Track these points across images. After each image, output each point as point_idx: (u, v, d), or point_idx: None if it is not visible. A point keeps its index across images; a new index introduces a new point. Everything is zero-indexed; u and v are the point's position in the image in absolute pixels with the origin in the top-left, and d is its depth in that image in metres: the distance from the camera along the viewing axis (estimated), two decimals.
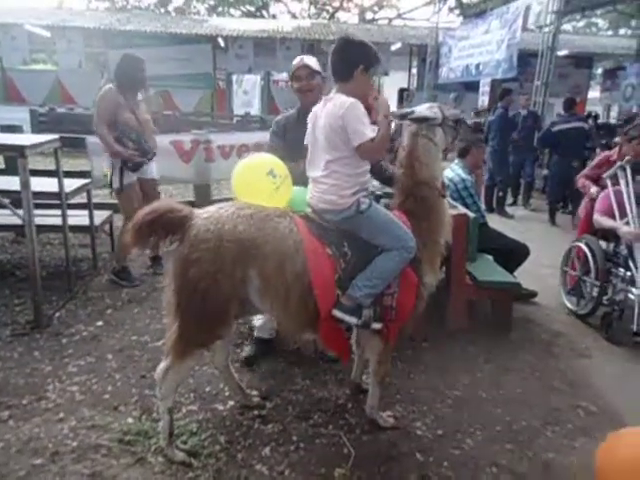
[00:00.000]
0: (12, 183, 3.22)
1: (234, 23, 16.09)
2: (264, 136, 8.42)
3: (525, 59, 10.65)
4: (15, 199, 3.11)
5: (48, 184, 3.43)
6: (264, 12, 23.10)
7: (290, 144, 2.70)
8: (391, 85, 19.43)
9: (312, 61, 2.83)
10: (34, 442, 2.14)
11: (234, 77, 15.44)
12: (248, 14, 22.47)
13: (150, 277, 4.09)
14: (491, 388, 2.78)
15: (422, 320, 3.25)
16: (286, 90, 16.77)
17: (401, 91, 18.12)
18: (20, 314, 3.29)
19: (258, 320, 2.94)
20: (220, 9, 22.00)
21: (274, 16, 23.41)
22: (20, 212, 2.96)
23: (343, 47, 2.14)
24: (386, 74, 16.24)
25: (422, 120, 2.25)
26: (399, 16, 25.06)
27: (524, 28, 8.80)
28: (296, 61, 2.85)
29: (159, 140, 4.25)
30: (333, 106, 2.11)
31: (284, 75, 17.77)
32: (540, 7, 8.34)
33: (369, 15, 25.17)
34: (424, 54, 14.47)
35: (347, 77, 2.13)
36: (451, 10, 22.93)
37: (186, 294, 1.96)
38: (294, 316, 2.08)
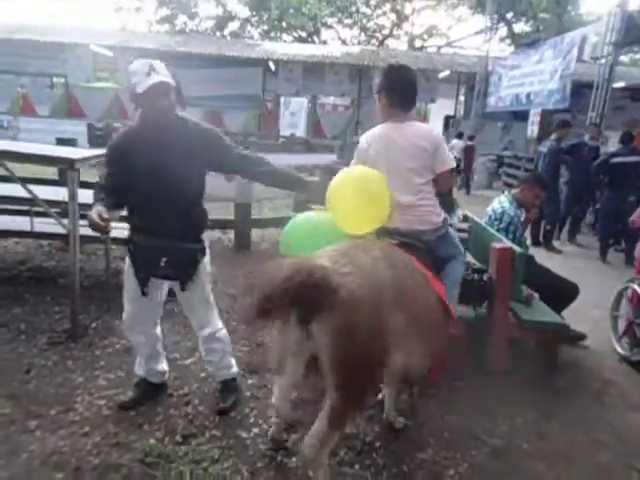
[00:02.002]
0: (62, 194, 3.34)
1: (285, 48, 16.53)
2: (308, 158, 8.52)
3: (578, 90, 10.33)
4: (64, 209, 3.21)
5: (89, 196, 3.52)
6: (315, 38, 23.66)
7: None
8: (438, 112, 19.39)
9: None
10: (57, 456, 2.14)
11: (282, 99, 15.78)
12: (300, 39, 23.08)
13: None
14: (533, 438, 2.58)
15: (460, 357, 3.12)
16: (332, 113, 17.01)
17: (447, 118, 18.09)
18: (58, 322, 3.36)
19: (139, 364, 2.62)
20: (273, 34, 22.71)
21: (325, 42, 23.92)
22: (65, 221, 3.04)
23: (413, 77, 2.34)
24: (433, 101, 16.19)
25: None
26: (448, 44, 25.07)
27: (579, 59, 8.56)
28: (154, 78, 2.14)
29: None
30: (417, 131, 2.27)
31: (331, 99, 18.05)
32: (597, 38, 8.09)
33: (418, 43, 25.32)
34: (472, 82, 14.34)
35: (413, 106, 2.34)
36: (502, 40, 22.78)
37: (353, 362, 1.69)
38: (424, 347, 1.99)
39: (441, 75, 15.49)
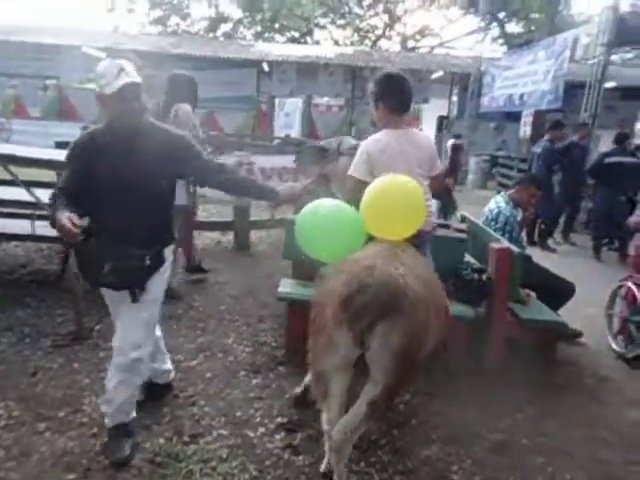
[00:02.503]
0: None
1: (279, 48, 16.55)
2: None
3: (570, 90, 10.44)
4: None
5: None
6: (308, 38, 23.69)
7: None
8: (431, 113, 19.48)
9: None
10: (68, 456, 2.17)
11: (276, 100, 15.80)
12: (292, 40, 23.11)
13: (187, 295, 4.13)
14: (533, 434, 2.64)
15: (460, 356, 3.17)
16: (326, 114, 17.05)
17: (440, 119, 18.17)
18: (61, 325, 3.38)
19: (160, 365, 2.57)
20: (265, 35, 22.72)
21: (318, 42, 23.97)
22: None
23: (408, 83, 2.44)
24: (426, 102, 16.27)
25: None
26: (441, 45, 25.20)
27: (571, 59, 8.66)
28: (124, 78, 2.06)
29: None
30: (419, 138, 2.43)
31: (325, 100, 18.09)
32: (589, 39, 8.20)
33: (411, 43, 25.42)
34: (465, 82, 14.45)
35: (409, 110, 2.46)
36: (494, 40, 22.94)
37: (412, 357, 1.84)
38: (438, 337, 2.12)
39: (434, 76, 15.58)
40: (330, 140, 2.77)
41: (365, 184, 2.27)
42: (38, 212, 3.57)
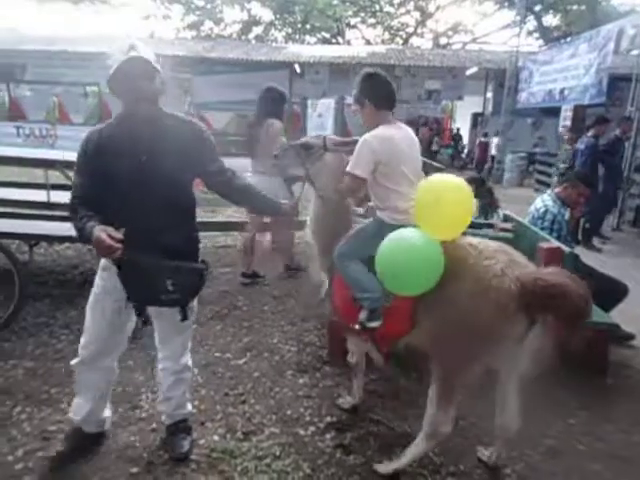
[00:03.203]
0: None
1: (311, 50, 16.62)
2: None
3: (611, 83, 10.08)
4: None
5: None
6: (339, 38, 23.70)
7: None
8: (465, 110, 19.17)
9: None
10: (131, 450, 2.26)
11: (309, 101, 15.87)
12: (323, 40, 23.16)
13: (230, 295, 4.22)
14: (588, 439, 2.58)
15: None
16: (359, 114, 17.01)
17: (475, 116, 17.82)
18: None
19: (80, 408, 2.21)
20: (296, 37, 22.86)
21: (349, 42, 23.94)
22: None
23: (389, 79, 2.39)
24: (460, 99, 16.04)
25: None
26: (474, 40, 24.76)
27: (615, 52, 8.36)
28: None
29: (242, 163, 4.37)
30: (408, 133, 2.40)
31: None
32: (634, 30, 7.90)
33: (443, 40, 25.08)
34: (501, 78, 14.13)
35: (395, 105, 2.41)
36: (530, 33, 22.35)
37: None
38: None
39: (468, 72, 15.33)
40: (312, 136, 2.55)
41: (365, 182, 2.25)
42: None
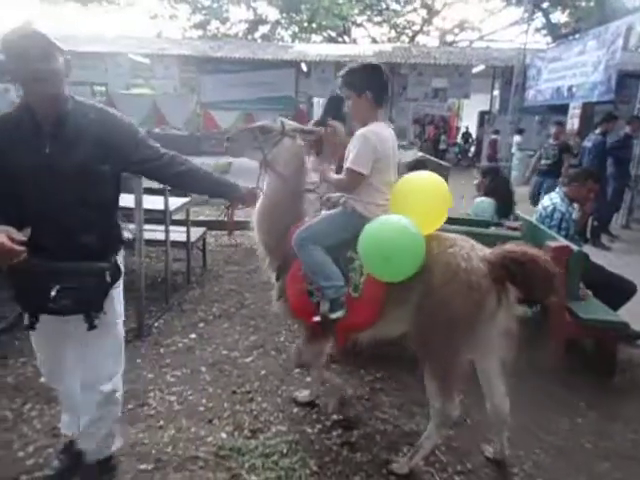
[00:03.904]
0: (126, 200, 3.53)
1: (317, 48, 16.60)
2: None
3: (620, 81, 9.97)
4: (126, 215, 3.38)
5: (151, 202, 3.69)
6: (345, 37, 23.65)
7: None
8: (471, 108, 19.07)
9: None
10: (139, 447, 2.28)
11: (315, 100, 15.87)
12: (329, 39, 23.12)
13: (237, 294, 4.24)
14: (595, 437, 2.57)
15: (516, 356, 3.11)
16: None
17: (482, 114, 17.70)
18: (124, 322, 3.52)
19: (67, 425, 2.13)
20: (303, 35, 22.83)
21: (355, 40, 23.88)
22: (131, 227, 3.20)
23: (387, 75, 2.30)
24: (467, 97, 15.95)
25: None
26: (481, 38, 24.60)
27: (624, 48, 8.27)
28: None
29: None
30: (393, 134, 2.33)
31: None
32: None
33: (449, 38, 24.95)
34: (508, 76, 14.04)
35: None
36: (537, 30, 22.17)
37: None
38: None
39: (475, 70, 15.24)
40: (266, 121, 2.42)
41: (364, 178, 2.22)
42: None
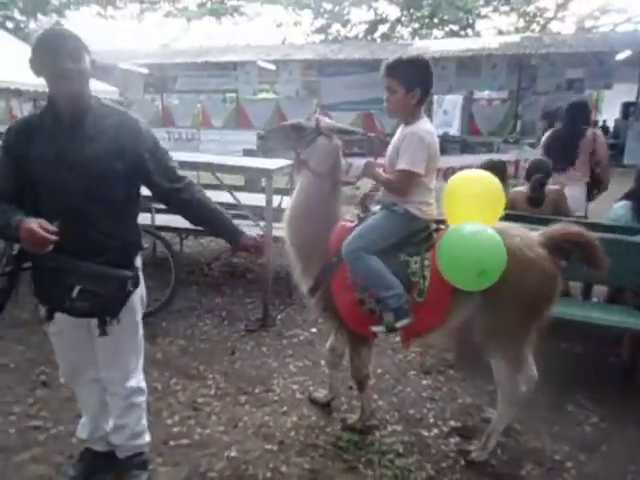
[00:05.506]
0: (253, 199, 3.85)
1: (438, 44, 16.17)
2: (467, 159, 8.20)
3: None
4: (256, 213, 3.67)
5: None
6: (469, 30, 22.66)
7: None
8: (612, 99, 17.08)
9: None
10: (265, 428, 2.48)
11: (435, 97, 15.49)
12: (452, 34, 22.33)
13: None
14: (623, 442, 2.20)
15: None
16: (487, 108, 16.16)
17: (626, 106, 15.77)
18: (251, 312, 3.85)
19: (83, 426, 2.11)
20: (424, 31, 22.36)
21: (479, 33, 22.77)
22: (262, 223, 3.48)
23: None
24: (608, 87, 14.33)
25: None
26: (628, 20, 21.88)
27: None
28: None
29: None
30: None
31: (486, 93, 17.14)
32: None
33: (589, 23, 22.57)
34: None
35: None
36: None
37: None
38: None
39: (619, 57, 13.60)
40: (304, 118, 2.30)
41: (419, 178, 2.13)
42: (232, 212, 4.12)
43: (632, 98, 15.27)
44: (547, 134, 4.47)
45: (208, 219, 1.96)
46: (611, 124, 16.96)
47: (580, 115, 4.26)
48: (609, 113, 17.99)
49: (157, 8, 22.29)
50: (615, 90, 14.81)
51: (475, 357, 2.68)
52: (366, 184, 2.52)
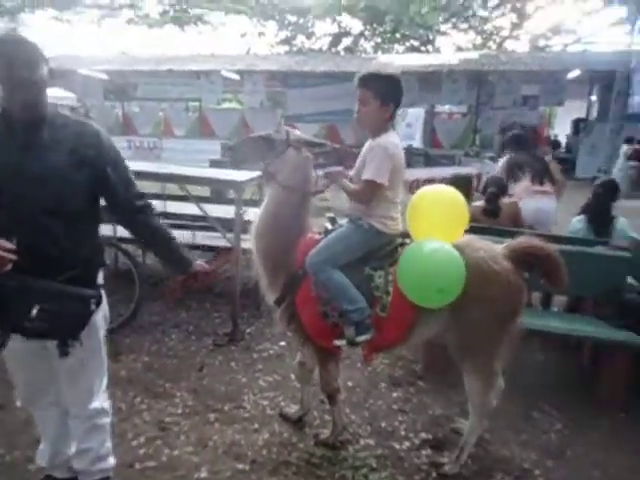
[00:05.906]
0: (221, 212, 3.79)
1: (401, 59, 16.55)
2: (433, 172, 8.40)
3: None
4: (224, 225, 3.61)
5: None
6: (429, 46, 23.33)
7: None
8: (564, 115, 17.91)
9: None
10: (236, 447, 2.41)
11: (398, 111, 15.81)
12: (412, 49, 22.92)
13: None
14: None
15: (620, 387, 2.90)
16: (448, 122, 16.63)
17: (577, 122, 16.57)
18: (219, 326, 3.76)
19: (43, 453, 2.00)
20: (386, 46, 22.84)
21: (438, 49, 23.48)
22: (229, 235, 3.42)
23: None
24: (560, 104, 15.05)
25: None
26: (577, 41, 23.10)
27: None
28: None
29: None
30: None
31: (446, 107, 17.63)
32: None
33: (542, 42, 23.68)
34: (608, 81, 13.05)
35: None
36: None
37: None
38: None
39: (570, 75, 14.33)
40: (273, 130, 2.31)
41: (382, 189, 2.15)
42: (199, 223, 4.05)
43: (582, 114, 16.09)
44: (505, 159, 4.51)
45: (161, 244, 1.94)
46: (563, 139, 17.78)
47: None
48: (561, 128, 18.86)
49: (118, 15, 21.83)
50: (566, 106, 15.57)
51: (444, 368, 2.72)
52: (335, 195, 2.52)
